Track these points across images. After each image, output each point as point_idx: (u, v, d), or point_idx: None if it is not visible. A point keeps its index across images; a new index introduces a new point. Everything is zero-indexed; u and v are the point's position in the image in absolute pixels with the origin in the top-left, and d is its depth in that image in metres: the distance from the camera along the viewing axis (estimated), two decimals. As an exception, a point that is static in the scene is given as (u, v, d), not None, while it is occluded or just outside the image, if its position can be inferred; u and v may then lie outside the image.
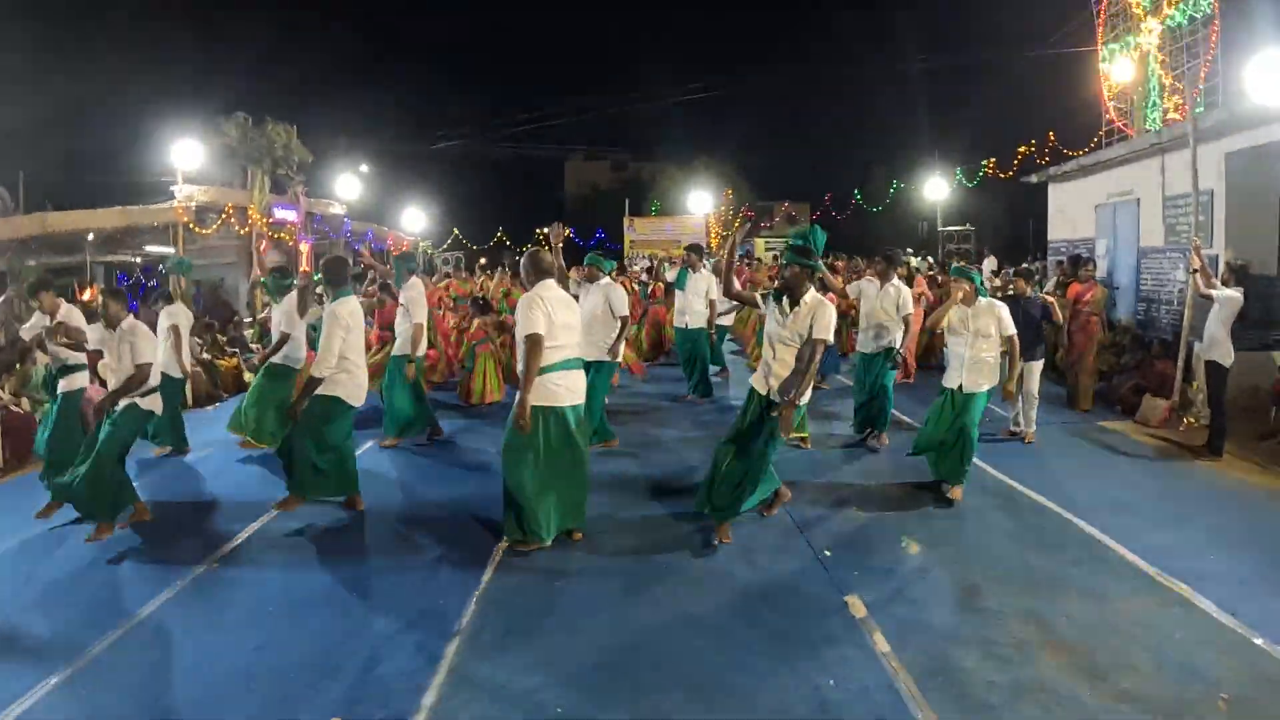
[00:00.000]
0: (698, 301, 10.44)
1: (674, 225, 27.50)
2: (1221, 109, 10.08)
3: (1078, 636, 4.40)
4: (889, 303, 8.27)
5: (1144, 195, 11.50)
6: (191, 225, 19.59)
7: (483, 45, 67.42)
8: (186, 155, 18.83)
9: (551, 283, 5.59)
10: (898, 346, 8.20)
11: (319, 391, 6.12)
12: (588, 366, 6.74)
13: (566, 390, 5.52)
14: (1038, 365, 8.57)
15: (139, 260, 22.04)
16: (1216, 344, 8.01)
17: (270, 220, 21.39)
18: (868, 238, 28.87)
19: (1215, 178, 9.95)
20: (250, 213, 20.93)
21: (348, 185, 24.41)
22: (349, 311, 6.27)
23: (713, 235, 29.19)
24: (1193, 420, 9.05)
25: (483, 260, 24.51)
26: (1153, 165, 11.13)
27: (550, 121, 30.90)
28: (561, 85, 58.75)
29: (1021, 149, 19.00)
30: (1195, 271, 8.47)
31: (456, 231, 30.83)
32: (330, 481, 6.48)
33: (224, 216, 20.53)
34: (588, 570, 5.37)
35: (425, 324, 8.61)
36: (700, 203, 28.01)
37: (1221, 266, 9.26)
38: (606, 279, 8.39)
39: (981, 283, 7.14)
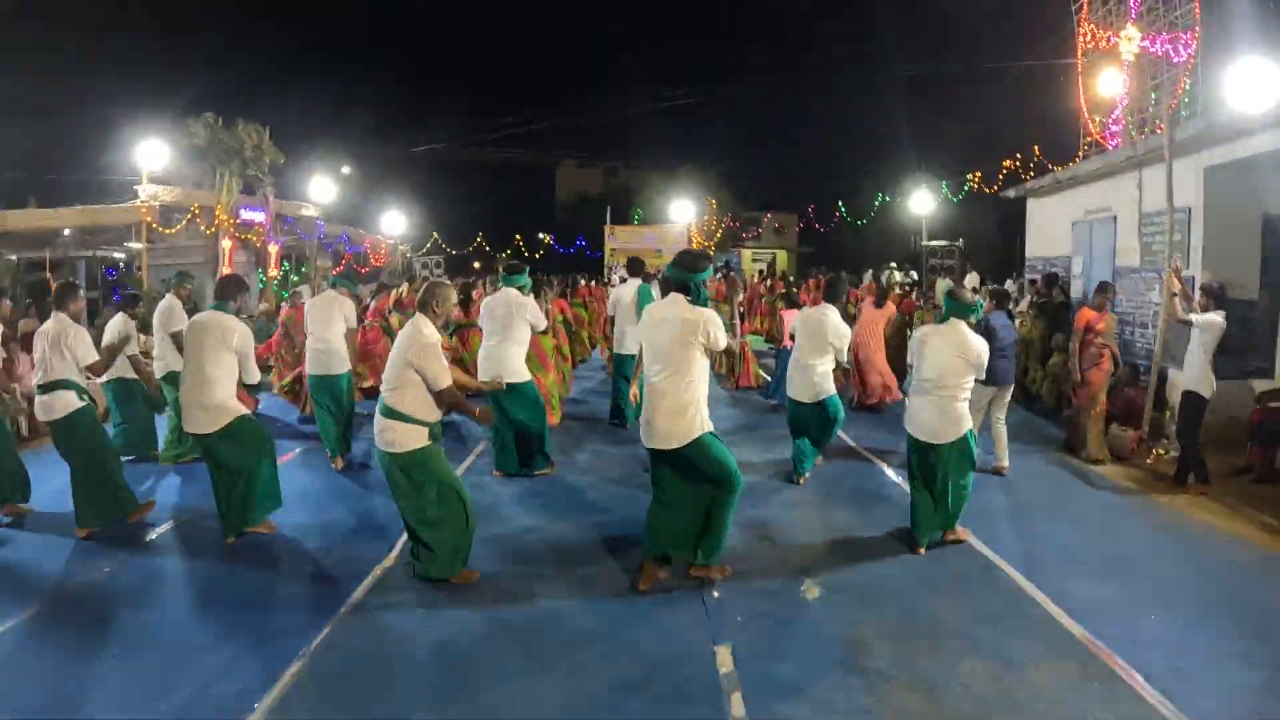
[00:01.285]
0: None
1: (655, 234, 26.96)
2: (1199, 119, 9.47)
3: (970, 712, 3.77)
4: (818, 336, 7.32)
5: (1121, 212, 10.90)
6: (155, 225, 19.30)
7: (466, 48, 66.69)
8: (151, 155, 18.60)
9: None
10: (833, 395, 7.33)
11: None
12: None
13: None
14: (1006, 393, 7.98)
15: (99, 258, 21.72)
16: (1197, 373, 7.42)
17: (237, 221, 21.03)
18: (852, 252, 28.37)
19: (1194, 194, 9.34)
20: (217, 213, 20.59)
21: (322, 187, 23.93)
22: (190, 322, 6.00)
23: (695, 245, 28.68)
24: (1161, 452, 8.43)
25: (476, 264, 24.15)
26: (1130, 181, 10.53)
27: (529, 125, 30.29)
28: (546, 90, 58.31)
29: (1006, 163, 18.37)
30: (1175, 295, 7.86)
31: (436, 235, 30.30)
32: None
33: (189, 216, 20.25)
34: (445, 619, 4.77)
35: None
36: (682, 211, 27.48)
37: (1196, 289, 8.65)
38: (514, 293, 7.53)
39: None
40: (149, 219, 19.19)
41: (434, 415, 4.86)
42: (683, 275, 4.84)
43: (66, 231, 21.15)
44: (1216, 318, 7.37)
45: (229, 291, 6.05)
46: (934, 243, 22.48)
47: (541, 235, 31.49)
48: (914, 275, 22.25)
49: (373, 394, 10.81)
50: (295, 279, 21.83)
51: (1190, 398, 7.49)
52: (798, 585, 5.22)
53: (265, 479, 6.00)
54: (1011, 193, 14.96)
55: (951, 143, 27.80)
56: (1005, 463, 7.92)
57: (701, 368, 4.78)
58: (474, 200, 37.75)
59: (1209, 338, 7.36)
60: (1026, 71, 18.91)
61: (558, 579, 5.31)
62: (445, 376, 4.68)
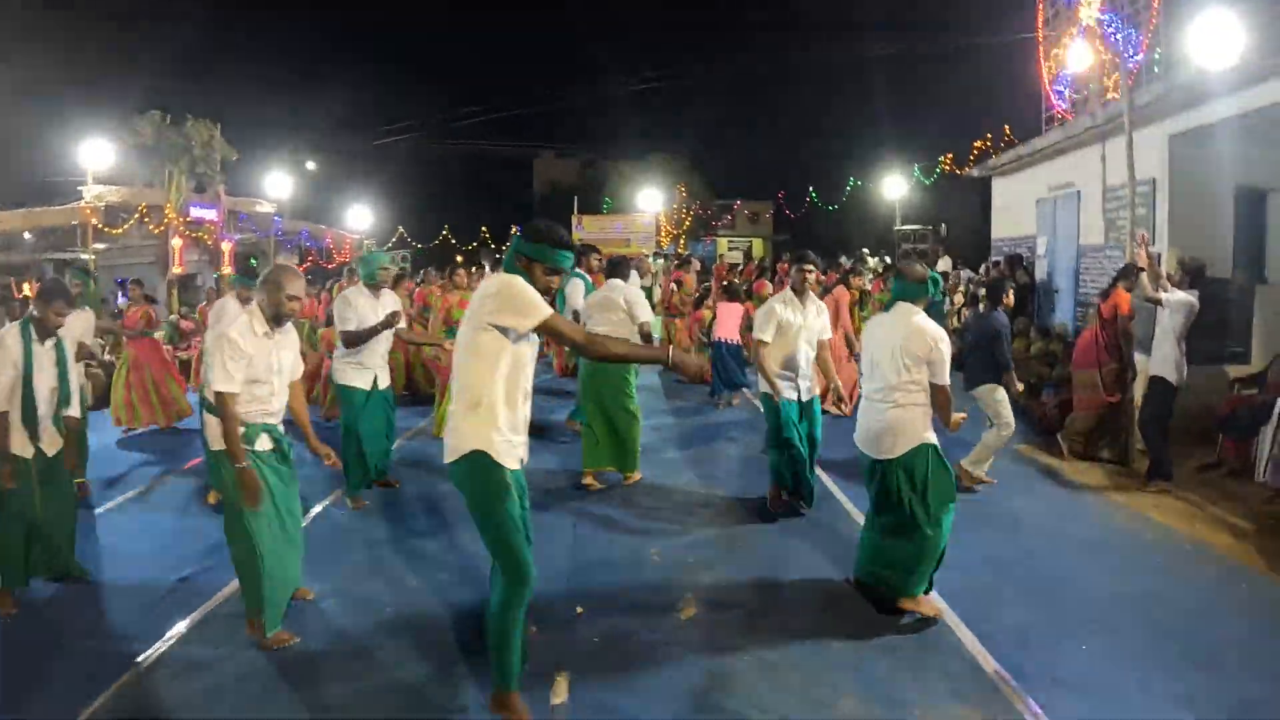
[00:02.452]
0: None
1: (624, 224, 26.24)
2: (1159, 81, 8.74)
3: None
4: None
5: (1084, 187, 10.21)
6: (101, 226, 18.82)
7: (430, 38, 65.23)
8: (96, 154, 18.09)
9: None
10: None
11: None
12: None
13: None
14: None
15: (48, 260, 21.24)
16: (1166, 357, 6.75)
17: (187, 219, 20.53)
18: (828, 238, 27.64)
19: (1158, 165, 8.65)
20: (166, 212, 20.07)
21: (278, 183, 23.43)
22: None
23: (663, 234, 28.00)
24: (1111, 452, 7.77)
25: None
26: (1093, 154, 9.82)
27: (496, 115, 29.53)
28: (516, 80, 57.34)
29: (978, 143, 17.63)
30: (1141, 270, 7.15)
31: (401, 229, 29.64)
32: None
33: (137, 216, 19.78)
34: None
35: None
36: (650, 200, 26.77)
37: (1168, 265, 7.98)
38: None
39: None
40: (94, 220, 18.72)
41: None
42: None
43: (27, 235, 20.69)
44: (1189, 297, 6.69)
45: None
46: (907, 227, 21.78)
47: (513, 229, 30.71)
48: (887, 260, 21.55)
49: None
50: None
51: (1157, 384, 6.82)
52: (675, 605, 4.55)
53: None
54: (975, 171, 14.27)
55: (924, 124, 27.17)
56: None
57: None
58: (446, 194, 37.12)
59: (1180, 319, 6.69)
60: (997, 48, 18.19)
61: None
62: (219, 381, 3.84)
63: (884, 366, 4.48)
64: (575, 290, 8.19)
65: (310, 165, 29.61)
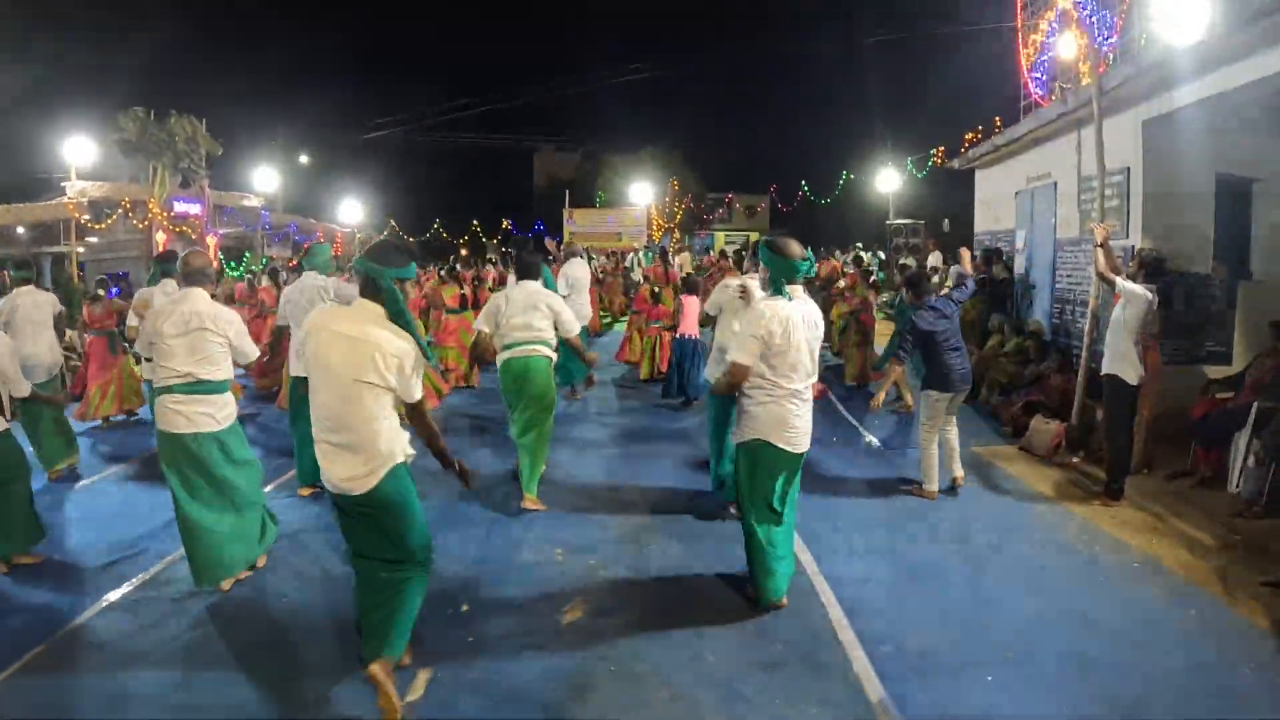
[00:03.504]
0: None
1: (615, 217, 25.89)
2: (1128, 62, 8.25)
3: None
4: None
5: (1061, 178, 9.72)
6: (85, 221, 18.87)
7: (423, 30, 64.65)
8: (79, 151, 18.73)
9: None
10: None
11: None
12: None
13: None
14: (962, 395, 6.53)
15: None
16: (1120, 354, 6.28)
17: (171, 214, 20.46)
18: (824, 233, 27.16)
19: (1132, 152, 8.17)
20: (150, 207, 20.02)
21: (265, 177, 23.36)
22: None
23: (655, 228, 27.58)
24: (1079, 459, 7.35)
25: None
26: (1069, 143, 9.35)
27: (490, 107, 29.17)
28: (511, 73, 56.78)
29: (969, 136, 17.13)
30: (1099, 246, 6.58)
31: (393, 223, 29.39)
32: None
33: (120, 211, 19.78)
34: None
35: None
36: (642, 193, 26.38)
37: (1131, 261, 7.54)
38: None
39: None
40: (77, 215, 18.79)
41: None
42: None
43: (20, 230, 20.67)
44: (1145, 291, 6.22)
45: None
46: (900, 221, 21.29)
47: (504, 223, 30.43)
48: (881, 255, 21.16)
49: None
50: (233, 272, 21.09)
51: (1113, 384, 6.38)
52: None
53: None
54: (956, 163, 13.80)
55: (917, 117, 26.53)
56: (960, 471, 6.60)
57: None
58: (436, 187, 36.80)
59: (1132, 313, 6.23)
60: (988, 36, 17.64)
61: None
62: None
63: (806, 359, 4.24)
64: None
65: (303, 159, 29.43)
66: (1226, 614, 4.41)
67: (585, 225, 25.23)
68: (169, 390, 4.44)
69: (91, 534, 5.62)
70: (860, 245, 22.72)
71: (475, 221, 29.19)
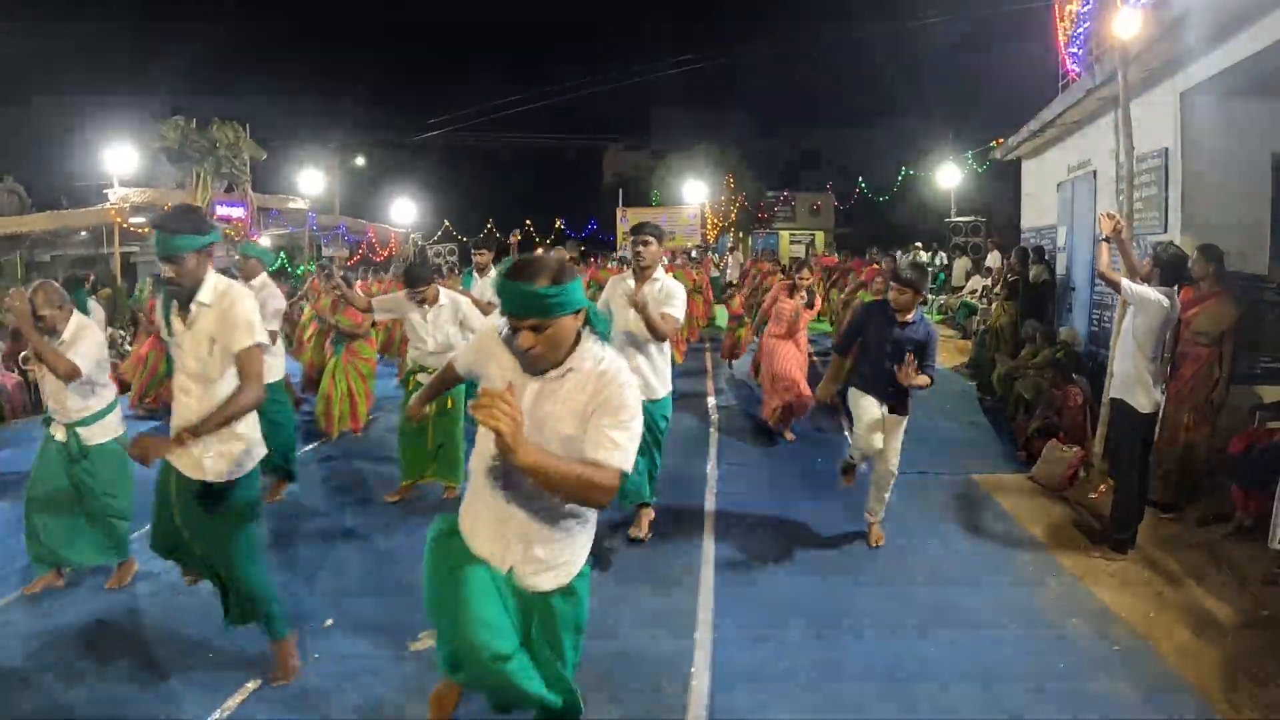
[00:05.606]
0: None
1: (668, 216, 25.04)
2: (1159, 23, 6.83)
3: None
4: None
5: (1100, 166, 8.41)
6: (127, 225, 19.32)
7: (471, 30, 64.08)
8: (120, 160, 19.11)
9: None
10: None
11: None
12: None
13: None
14: (898, 421, 5.18)
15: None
16: (1128, 373, 5.14)
17: (214, 217, 20.69)
18: (888, 230, 25.70)
19: (1169, 130, 6.88)
20: None
21: (311, 179, 23.34)
22: None
23: (709, 227, 26.54)
24: (1105, 488, 6.13)
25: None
26: (1109, 125, 8.02)
27: (529, 105, 28.56)
28: (560, 71, 56.17)
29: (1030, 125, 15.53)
30: (1104, 241, 5.43)
31: (447, 223, 29.16)
32: None
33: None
34: None
35: None
36: (695, 192, 25.42)
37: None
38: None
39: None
40: (119, 220, 19.21)
41: None
42: None
43: (84, 233, 21.32)
44: (1159, 296, 5.03)
45: None
46: (959, 219, 19.74)
47: (556, 222, 29.84)
48: (943, 256, 19.71)
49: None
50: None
51: (1121, 412, 5.23)
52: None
53: None
54: (997, 154, 12.45)
55: (977, 107, 24.72)
56: (878, 518, 5.37)
57: None
58: (514, 186, 36.46)
59: (1143, 323, 5.08)
60: (1045, 16, 16.02)
61: None
62: None
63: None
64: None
65: (360, 161, 29.49)
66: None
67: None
68: None
69: None
70: (920, 245, 21.29)
71: (529, 220, 28.62)
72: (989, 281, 13.97)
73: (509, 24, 61.00)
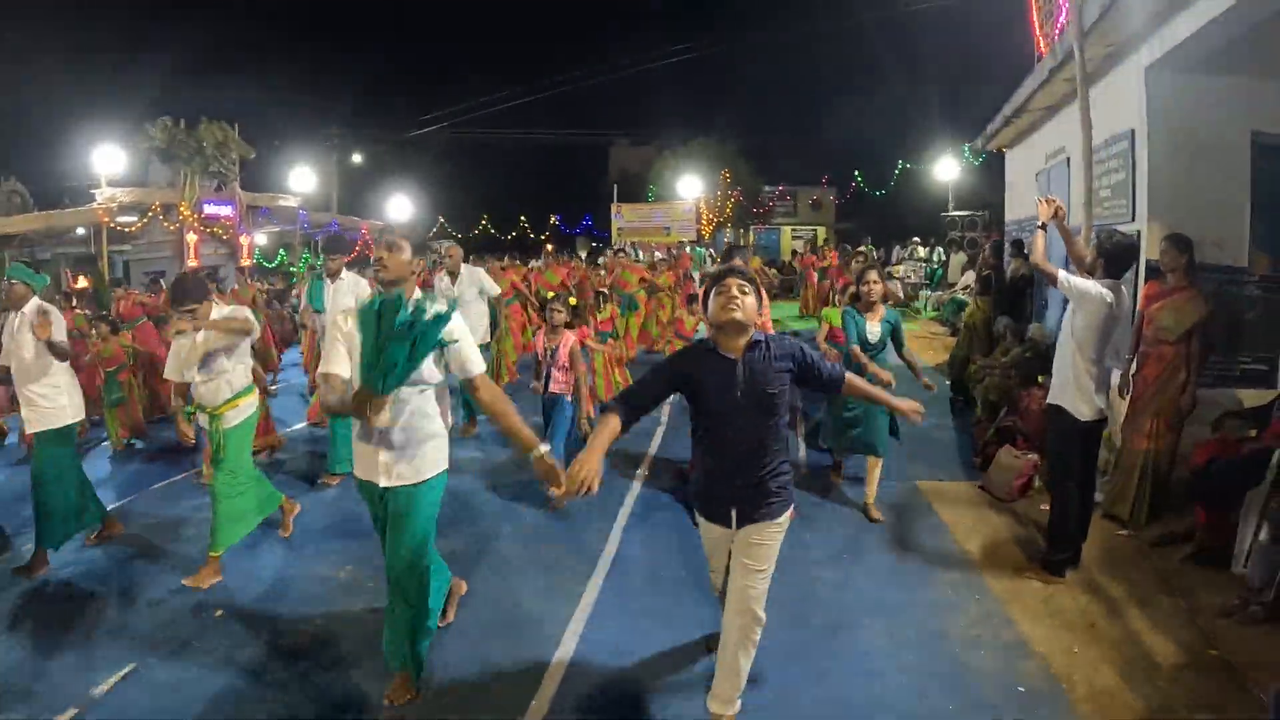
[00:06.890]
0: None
1: (663, 212, 24.56)
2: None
3: None
4: None
5: (1073, 152, 7.84)
6: (114, 225, 19.28)
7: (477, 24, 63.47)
8: (107, 160, 19.15)
9: None
10: None
11: None
12: None
13: None
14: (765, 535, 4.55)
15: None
16: (1066, 378, 4.62)
17: (201, 216, 20.61)
18: (890, 225, 25.08)
19: (1135, 110, 6.30)
20: (180, 210, 20.33)
21: (302, 177, 23.20)
22: None
23: (704, 223, 25.99)
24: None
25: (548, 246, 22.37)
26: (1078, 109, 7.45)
27: (524, 99, 28.08)
28: (567, 64, 55.45)
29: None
30: (1041, 228, 4.88)
31: (442, 220, 28.87)
32: None
33: (150, 214, 20.21)
34: None
35: None
36: (690, 187, 24.90)
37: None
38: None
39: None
40: (107, 220, 19.19)
41: None
42: None
43: (80, 230, 21.36)
44: (1099, 291, 4.49)
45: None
46: (956, 213, 19.10)
47: (552, 218, 29.49)
48: (940, 252, 19.10)
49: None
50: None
51: (1056, 419, 4.69)
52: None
53: None
54: (978, 143, 11.87)
55: (976, 98, 24.02)
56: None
57: None
58: (511, 183, 36.03)
59: (1082, 321, 4.56)
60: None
61: None
62: None
63: None
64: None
65: (356, 158, 29.28)
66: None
67: (633, 220, 24.07)
68: None
69: None
70: (917, 240, 20.66)
71: (522, 216, 28.27)
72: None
73: (504, 19, 60.56)
